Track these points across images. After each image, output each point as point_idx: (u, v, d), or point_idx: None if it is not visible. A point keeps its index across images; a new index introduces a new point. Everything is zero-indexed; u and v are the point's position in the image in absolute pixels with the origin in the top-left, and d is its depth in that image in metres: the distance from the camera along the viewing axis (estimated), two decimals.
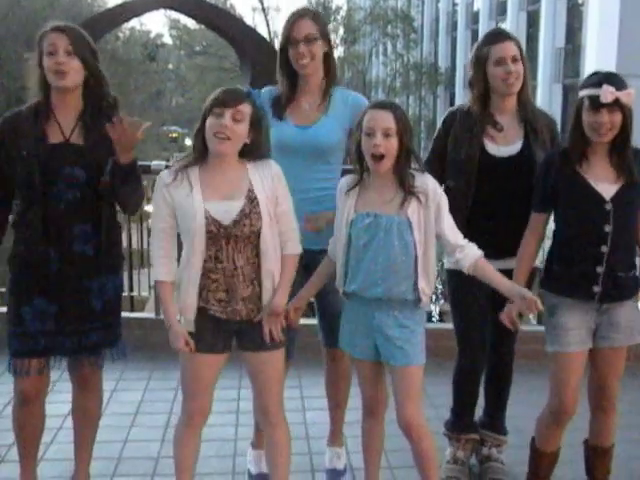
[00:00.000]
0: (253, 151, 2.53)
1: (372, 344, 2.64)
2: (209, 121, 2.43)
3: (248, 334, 2.56)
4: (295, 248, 2.61)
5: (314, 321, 3.19)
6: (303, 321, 3.36)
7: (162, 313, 2.62)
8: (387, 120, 2.50)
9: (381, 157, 2.49)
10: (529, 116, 2.99)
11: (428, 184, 2.55)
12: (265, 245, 2.48)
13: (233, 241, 2.45)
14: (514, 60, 2.91)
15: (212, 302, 2.50)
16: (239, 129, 2.43)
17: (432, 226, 2.55)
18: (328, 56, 2.93)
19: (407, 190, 2.52)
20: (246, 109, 2.45)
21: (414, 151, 2.57)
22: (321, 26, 2.92)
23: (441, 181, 3.06)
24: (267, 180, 2.50)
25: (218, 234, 2.44)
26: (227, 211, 2.44)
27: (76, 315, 2.67)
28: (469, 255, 2.59)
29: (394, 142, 2.50)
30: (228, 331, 2.56)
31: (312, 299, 3.16)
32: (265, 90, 3.03)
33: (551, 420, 2.86)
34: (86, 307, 2.69)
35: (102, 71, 2.69)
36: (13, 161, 2.60)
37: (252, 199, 2.46)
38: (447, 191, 3.02)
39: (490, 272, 2.61)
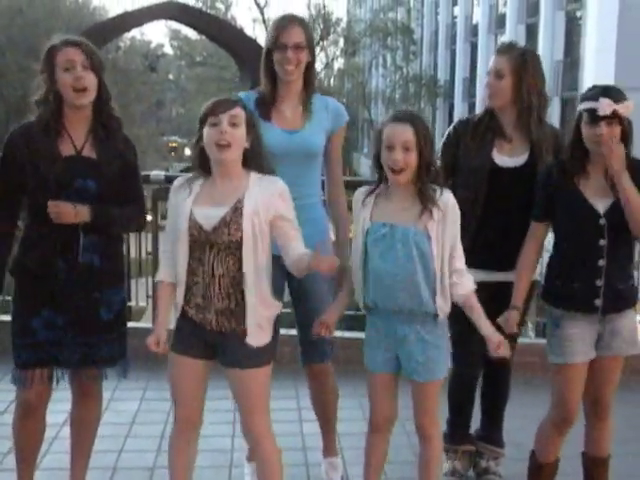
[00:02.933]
0: (255, 158, 2.51)
1: (393, 357, 2.62)
2: (206, 131, 2.44)
3: (223, 348, 2.52)
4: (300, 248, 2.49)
5: None
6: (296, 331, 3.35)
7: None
8: (406, 134, 2.50)
9: (400, 171, 2.50)
10: (535, 130, 3.00)
11: (449, 201, 2.54)
12: (247, 259, 2.43)
13: (216, 248, 2.44)
14: (497, 76, 2.98)
15: (192, 305, 2.51)
16: (238, 133, 2.44)
17: (449, 243, 2.52)
18: (310, 66, 2.94)
19: (428, 202, 2.51)
20: (240, 113, 2.46)
21: (435, 164, 2.57)
22: (309, 35, 2.95)
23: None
24: (265, 195, 2.46)
25: (200, 238, 2.44)
26: (211, 217, 2.44)
27: (85, 327, 2.67)
28: (464, 285, 2.56)
29: (413, 155, 2.50)
30: (203, 337, 2.52)
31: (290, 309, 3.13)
32: (243, 96, 2.95)
33: (553, 430, 2.87)
34: (95, 319, 2.69)
35: (107, 86, 2.70)
36: (25, 175, 2.61)
37: (237, 209, 2.43)
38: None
39: (478, 310, 2.59)
